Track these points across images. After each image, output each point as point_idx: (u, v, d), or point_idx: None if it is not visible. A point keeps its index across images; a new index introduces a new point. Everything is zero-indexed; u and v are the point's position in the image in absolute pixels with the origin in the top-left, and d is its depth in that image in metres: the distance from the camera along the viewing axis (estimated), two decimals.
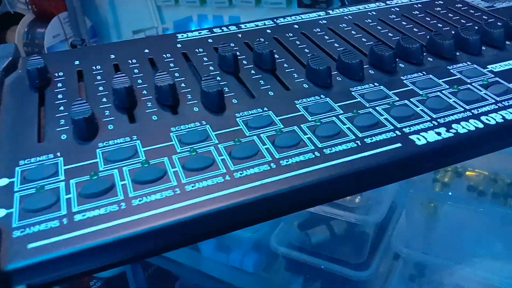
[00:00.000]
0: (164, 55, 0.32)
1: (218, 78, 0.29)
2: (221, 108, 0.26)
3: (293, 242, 0.56)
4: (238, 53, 0.32)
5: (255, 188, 0.21)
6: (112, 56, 0.32)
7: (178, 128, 0.25)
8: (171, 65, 0.31)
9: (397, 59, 0.31)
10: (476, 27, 0.34)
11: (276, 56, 0.32)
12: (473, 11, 0.39)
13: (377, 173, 0.23)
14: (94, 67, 0.30)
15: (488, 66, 0.30)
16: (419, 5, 0.40)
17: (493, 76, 0.29)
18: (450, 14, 0.38)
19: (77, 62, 0.31)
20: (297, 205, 0.22)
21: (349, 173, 0.22)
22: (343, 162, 0.22)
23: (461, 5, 0.40)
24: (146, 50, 0.32)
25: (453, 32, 0.34)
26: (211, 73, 0.30)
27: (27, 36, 1.65)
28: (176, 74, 0.30)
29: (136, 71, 0.30)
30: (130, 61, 0.31)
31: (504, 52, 0.32)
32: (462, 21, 0.37)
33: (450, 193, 0.52)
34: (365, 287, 0.52)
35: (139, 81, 0.29)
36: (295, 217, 0.56)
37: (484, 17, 0.38)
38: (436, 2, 0.40)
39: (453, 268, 0.47)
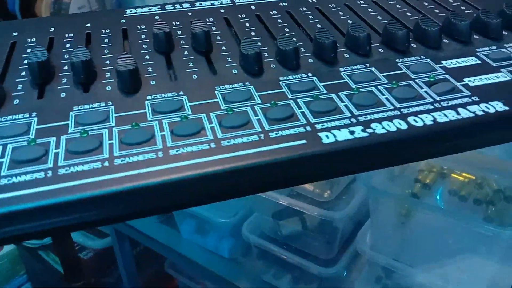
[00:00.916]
0: (103, 31, 0.31)
1: (147, 57, 0.28)
2: (133, 89, 0.25)
3: (265, 231, 0.55)
4: (179, 33, 0.30)
5: (136, 176, 0.20)
6: (52, 29, 0.31)
7: (80, 107, 0.24)
8: (105, 41, 0.30)
9: (344, 49, 0.29)
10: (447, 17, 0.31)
11: (218, 38, 0.30)
12: (452, 0, 0.35)
13: (274, 170, 0.21)
14: (29, 40, 0.30)
15: (442, 62, 0.28)
16: None
17: (443, 72, 0.27)
18: (425, 3, 0.35)
19: (15, 34, 0.30)
20: (183, 201, 0.21)
21: (245, 167, 0.20)
22: (238, 155, 0.21)
23: None
24: (88, 25, 0.31)
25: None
26: (143, 52, 0.28)
27: (54, 6, 1.68)
28: (106, 51, 0.28)
29: (68, 45, 0.29)
30: (67, 35, 0.30)
31: (467, 47, 0.29)
32: (436, 10, 0.34)
33: (430, 196, 0.49)
34: (331, 283, 0.50)
35: (66, 56, 0.28)
36: (270, 207, 0.55)
37: (462, 7, 0.34)
38: None
39: (421, 276, 0.44)
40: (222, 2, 0.35)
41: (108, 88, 0.25)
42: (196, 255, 0.63)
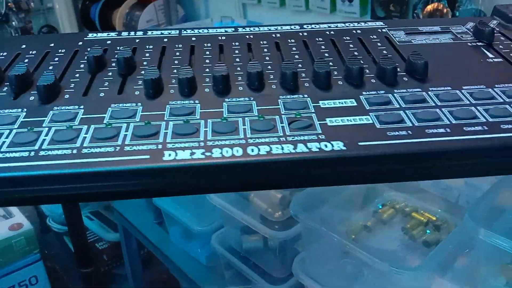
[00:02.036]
0: (60, 50, 0.37)
1: (77, 75, 0.34)
2: (47, 100, 0.30)
3: (231, 244, 0.59)
4: (116, 56, 0.36)
5: (8, 167, 0.25)
6: (23, 46, 0.38)
7: (1, 111, 0.30)
8: (56, 59, 0.36)
9: (243, 82, 0.32)
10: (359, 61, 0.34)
11: (144, 63, 0.35)
12: (380, 44, 0.37)
13: (118, 179, 0.25)
14: (0, 54, 0.37)
15: (320, 101, 0.30)
16: (331, 32, 0.39)
17: (313, 111, 0.29)
18: (351, 45, 0.37)
19: None
20: (43, 194, 0.25)
21: (91, 172, 0.25)
22: (90, 162, 0.25)
23: (375, 36, 0.39)
24: (52, 44, 0.38)
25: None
26: (78, 70, 0.34)
27: (127, 17, 1.84)
28: (50, 68, 0.35)
29: (26, 60, 0.36)
30: (31, 52, 0.37)
31: (355, 90, 0.31)
32: (356, 53, 0.36)
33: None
34: None
35: None
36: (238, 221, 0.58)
37: (384, 52, 0.36)
38: (353, 31, 0.40)
39: None
40: (170, 32, 0.40)
41: (31, 98, 0.31)
42: (180, 259, 0.68)
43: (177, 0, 1.78)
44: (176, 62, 0.35)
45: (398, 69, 0.33)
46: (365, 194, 0.54)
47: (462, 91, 0.31)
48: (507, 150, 0.26)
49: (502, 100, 0.30)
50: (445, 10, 1.19)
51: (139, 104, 0.30)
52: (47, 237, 0.98)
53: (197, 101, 0.30)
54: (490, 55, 0.36)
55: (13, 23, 1.88)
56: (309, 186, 0.27)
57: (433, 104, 0.30)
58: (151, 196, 0.27)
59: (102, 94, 0.31)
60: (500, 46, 0.37)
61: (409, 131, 0.27)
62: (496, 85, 0.32)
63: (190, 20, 1.86)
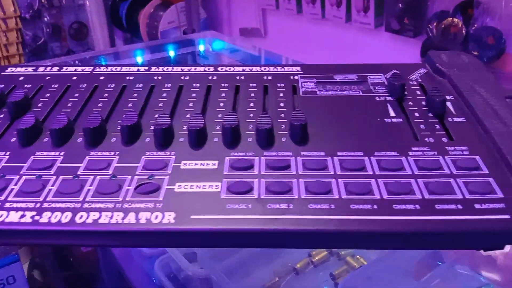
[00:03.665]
0: None
1: None
2: None
3: (173, 270, 0.59)
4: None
5: None
6: None
7: None
8: None
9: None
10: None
11: (40, 105, 0.35)
12: (282, 95, 0.36)
13: None
14: None
15: (182, 161, 0.29)
16: (241, 77, 0.38)
17: (167, 173, 0.28)
18: (252, 94, 0.36)
19: None
20: None
21: None
22: None
23: (283, 85, 0.37)
24: None
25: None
26: None
27: (150, 17, 1.87)
28: None
29: None
30: None
31: (226, 149, 0.30)
32: (251, 104, 0.35)
33: None
34: None
35: None
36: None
37: (281, 104, 0.35)
38: (264, 77, 0.38)
39: None
40: (84, 69, 0.40)
41: None
42: (137, 276, 0.69)
43: (200, 3, 1.79)
44: (69, 105, 0.35)
45: (283, 127, 0.32)
46: None
47: (335, 158, 0.29)
48: (349, 236, 0.25)
49: (371, 173, 0.28)
50: (459, 25, 1.14)
51: (8, 153, 0.31)
52: None
53: (62, 153, 0.30)
54: (392, 114, 0.34)
55: (45, 19, 1.96)
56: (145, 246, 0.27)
57: (294, 173, 0.28)
58: None
59: None
60: (410, 103, 0.35)
61: (249, 205, 0.26)
62: (376, 153, 0.30)
63: (212, 23, 1.87)
